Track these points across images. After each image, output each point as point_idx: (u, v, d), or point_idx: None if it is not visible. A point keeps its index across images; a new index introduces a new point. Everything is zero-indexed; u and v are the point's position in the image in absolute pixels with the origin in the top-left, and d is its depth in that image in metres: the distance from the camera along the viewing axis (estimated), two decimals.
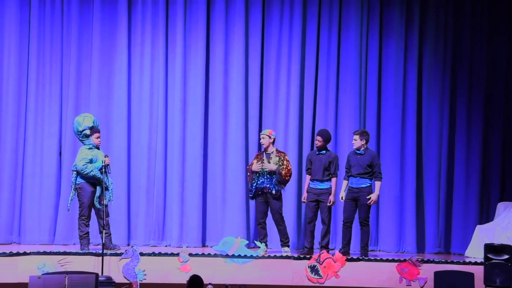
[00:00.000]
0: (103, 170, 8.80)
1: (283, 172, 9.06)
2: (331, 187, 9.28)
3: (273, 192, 9.07)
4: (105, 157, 8.91)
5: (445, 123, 10.91)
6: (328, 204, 9.21)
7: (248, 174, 9.27)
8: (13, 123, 10.15)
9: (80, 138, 9.06)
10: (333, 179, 9.29)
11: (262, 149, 9.56)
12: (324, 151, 9.28)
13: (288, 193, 10.26)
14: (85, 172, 8.87)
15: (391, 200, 10.78)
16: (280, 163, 9.15)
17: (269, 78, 10.71)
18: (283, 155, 9.30)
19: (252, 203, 10.41)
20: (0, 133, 10.19)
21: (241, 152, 10.56)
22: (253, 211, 10.48)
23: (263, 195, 9.14)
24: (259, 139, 9.43)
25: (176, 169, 10.43)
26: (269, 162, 9.15)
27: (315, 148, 9.48)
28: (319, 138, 9.27)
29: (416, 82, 10.89)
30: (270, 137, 9.28)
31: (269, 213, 9.31)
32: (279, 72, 10.66)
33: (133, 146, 10.52)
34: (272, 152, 9.26)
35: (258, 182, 9.16)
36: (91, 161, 8.95)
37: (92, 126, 9.04)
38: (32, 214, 10.19)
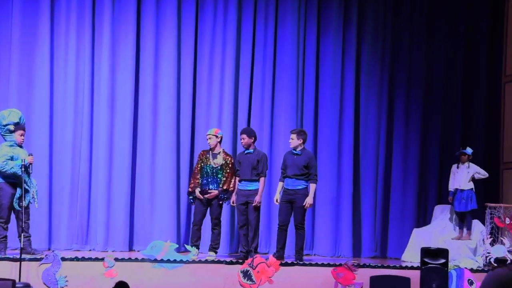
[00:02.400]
0: (23, 169, 8.49)
1: (225, 187, 9.03)
2: (258, 188, 9.13)
3: (219, 196, 9.03)
4: (28, 155, 8.62)
5: (383, 124, 10.93)
6: (254, 204, 9.03)
7: (193, 178, 9.06)
8: None
9: (2, 133, 8.74)
10: (262, 179, 9.12)
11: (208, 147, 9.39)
12: (251, 150, 9.10)
13: None
14: (4, 170, 8.57)
15: (327, 202, 10.70)
16: (224, 172, 9.04)
17: (202, 74, 10.53)
18: (229, 159, 9.12)
19: (183, 204, 10.28)
20: None
21: (171, 151, 10.32)
22: (184, 213, 10.31)
23: (205, 195, 9.04)
24: (206, 139, 9.27)
25: (102, 168, 10.17)
26: (214, 163, 9.05)
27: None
28: (243, 136, 9.07)
29: (354, 81, 10.89)
30: (217, 137, 9.09)
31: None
32: (213, 68, 10.48)
33: (56, 144, 10.18)
34: (219, 153, 9.09)
35: (202, 183, 9.03)
36: (11, 159, 8.64)
37: (18, 123, 8.74)
38: None
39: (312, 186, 9.06)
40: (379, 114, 10.90)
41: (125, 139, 10.27)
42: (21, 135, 8.79)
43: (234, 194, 9.12)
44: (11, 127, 8.70)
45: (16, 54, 10.01)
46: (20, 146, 8.79)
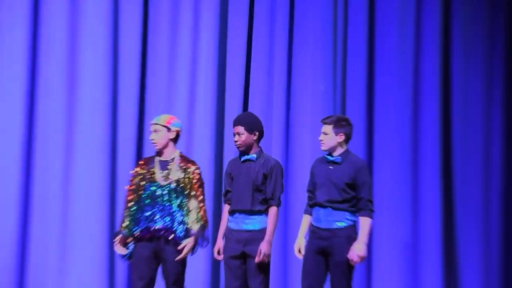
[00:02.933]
0: None
1: (192, 221, 5.23)
2: (265, 227, 5.25)
3: (178, 235, 5.13)
4: None
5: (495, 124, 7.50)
6: (258, 259, 5.19)
7: (125, 211, 5.22)
8: None
9: None
10: (273, 210, 5.31)
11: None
12: (254, 155, 5.40)
13: None
14: None
15: (395, 253, 6.98)
16: (184, 193, 5.23)
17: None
18: (193, 169, 5.28)
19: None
20: None
21: (99, 159, 6.35)
22: (122, 275, 6.33)
23: (153, 243, 5.16)
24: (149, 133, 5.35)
25: None
26: (166, 179, 5.17)
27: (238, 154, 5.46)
28: (238, 129, 5.38)
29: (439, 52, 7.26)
30: (169, 129, 5.23)
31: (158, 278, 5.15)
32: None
33: None
34: (173, 160, 5.25)
35: (144, 217, 5.17)
36: None
37: None
38: None
39: (365, 223, 5.26)
40: (487, 108, 7.36)
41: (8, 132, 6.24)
42: None
43: (220, 237, 5.32)
44: None
45: None
46: None
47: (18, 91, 6.35)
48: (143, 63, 6.61)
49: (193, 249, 5.19)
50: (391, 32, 7.24)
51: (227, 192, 5.39)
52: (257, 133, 5.31)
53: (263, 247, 5.19)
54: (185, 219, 5.20)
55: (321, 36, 6.99)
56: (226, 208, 5.38)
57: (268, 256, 5.27)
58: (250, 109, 6.70)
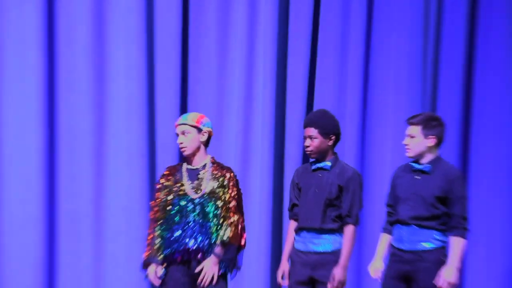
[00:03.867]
0: None
1: (232, 240, 4.67)
2: (339, 249, 4.72)
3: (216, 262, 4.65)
4: None
5: None
6: (333, 286, 4.73)
7: (150, 228, 4.66)
8: None
9: None
10: (350, 229, 4.78)
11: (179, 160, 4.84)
12: (328, 163, 4.84)
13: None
14: None
15: (495, 277, 6.33)
16: (219, 208, 4.67)
17: None
18: (227, 175, 4.69)
19: None
20: None
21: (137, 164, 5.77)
22: None
23: (185, 265, 4.62)
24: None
25: None
26: (197, 191, 4.62)
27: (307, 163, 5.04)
28: (310, 131, 4.81)
29: None
30: (200, 130, 4.65)
31: None
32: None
33: None
34: (205, 167, 4.65)
35: (173, 238, 4.59)
36: None
37: None
38: None
39: (458, 244, 4.72)
40: None
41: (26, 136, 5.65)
42: None
43: (285, 259, 4.83)
44: None
45: None
46: None
47: (33, 84, 5.79)
48: (184, 52, 6.05)
49: (224, 274, 4.62)
50: (497, 22, 6.56)
51: (293, 206, 4.87)
52: (333, 137, 4.75)
53: (337, 273, 4.70)
54: (220, 236, 4.64)
55: (408, 24, 6.37)
56: (292, 225, 4.89)
57: (343, 283, 4.80)
58: (316, 107, 6.03)
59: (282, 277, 4.86)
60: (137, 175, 5.84)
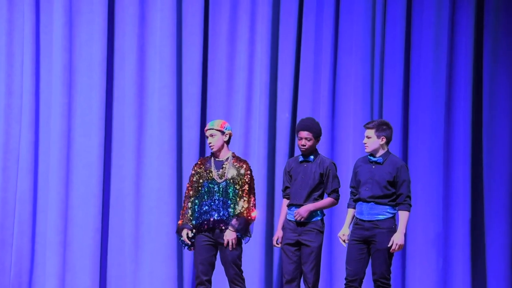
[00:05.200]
0: None
1: (245, 214, 5.96)
2: (318, 219, 6.07)
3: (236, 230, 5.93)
4: None
5: None
6: (313, 245, 6.02)
7: (184, 206, 6.02)
8: None
9: None
10: (329, 199, 6.13)
11: (209, 153, 6.16)
12: (311, 157, 6.15)
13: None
14: None
15: (427, 242, 7.64)
16: (236, 190, 5.99)
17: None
18: (244, 166, 6.04)
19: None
20: None
21: (160, 155, 7.24)
22: (188, 260, 7.22)
23: (211, 232, 5.97)
24: (206, 137, 6.15)
25: (55, 184, 7.09)
26: (221, 177, 5.95)
27: (296, 154, 6.25)
28: (305, 134, 6.07)
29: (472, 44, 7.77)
30: (223, 133, 6.03)
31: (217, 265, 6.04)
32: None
33: None
34: (227, 159, 6.03)
35: (202, 211, 5.97)
36: None
37: None
38: None
39: (403, 216, 5.99)
40: None
41: (92, 136, 7.13)
42: None
43: (279, 226, 6.16)
44: None
45: None
46: None
47: (97, 99, 7.18)
48: (204, 74, 7.39)
49: (239, 239, 5.85)
50: (426, 35, 7.72)
51: (286, 188, 6.11)
52: (319, 139, 6.07)
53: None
54: (236, 211, 5.89)
55: (361, 44, 7.53)
56: (284, 202, 6.11)
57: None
58: (299, 114, 7.40)
59: (277, 241, 6.09)
60: (167, 166, 7.21)
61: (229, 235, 5.83)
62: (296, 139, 6.12)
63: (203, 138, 7.28)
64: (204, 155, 7.19)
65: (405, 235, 6.08)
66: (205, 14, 7.39)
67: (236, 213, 5.87)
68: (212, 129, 5.95)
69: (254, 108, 7.45)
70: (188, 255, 7.21)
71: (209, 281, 5.95)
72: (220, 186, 5.94)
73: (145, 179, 7.23)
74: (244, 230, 5.88)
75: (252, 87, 7.48)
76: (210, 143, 5.97)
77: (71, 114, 7.15)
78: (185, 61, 7.30)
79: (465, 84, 7.79)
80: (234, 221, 5.84)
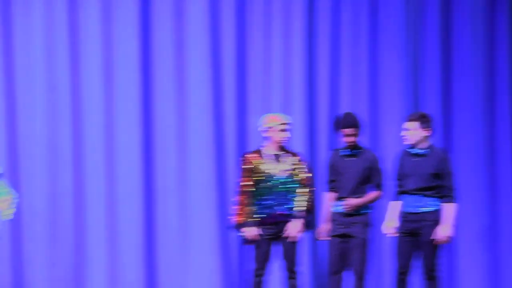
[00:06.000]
0: None
1: (309, 206, 6.15)
2: (366, 212, 6.24)
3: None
4: None
5: None
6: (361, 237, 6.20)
7: (241, 194, 6.10)
8: None
9: None
10: (374, 193, 6.26)
11: (260, 146, 6.24)
12: (356, 151, 6.29)
13: None
14: None
15: (475, 234, 7.69)
16: (295, 183, 6.15)
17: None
18: (300, 159, 6.22)
19: (233, 240, 7.28)
20: None
21: (210, 155, 7.35)
22: (233, 255, 7.37)
23: (272, 225, 6.10)
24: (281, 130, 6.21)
25: (99, 180, 7.24)
26: (279, 169, 6.16)
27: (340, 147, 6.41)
28: (351, 131, 6.23)
29: None
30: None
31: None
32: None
33: (22, 141, 7.21)
34: (284, 153, 6.20)
35: (262, 204, 6.10)
36: None
37: None
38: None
39: (449, 208, 6.06)
40: None
41: (133, 132, 7.25)
42: None
43: (325, 220, 6.29)
44: None
45: None
46: None
47: (136, 94, 7.30)
48: (241, 67, 7.47)
49: (303, 230, 6.03)
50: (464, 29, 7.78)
51: (331, 181, 6.25)
52: (360, 133, 6.26)
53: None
54: (296, 204, 6.07)
55: (398, 35, 7.64)
56: (329, 195, 6.25)
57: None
58: (341, 108, 7.44)
59: (323, 233, 6.20)
60: (207, 159, 7.34)
61: (294, 228, 6.01)
62: (337, 133, 6.25)
63: (241, 131, 7.43)
64: (244, 149, 7.27)
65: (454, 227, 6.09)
66: (241, 5, 7.46)
67: (298, 206, 6.04)
68: (288, 123, 6.09)
69: (292, 102, 7.54)
70: (234, 248, 7.34)
71: (266, 274, 6.14)
72: (280, 180, 6.08)
73: (187, 173, 7.35)
74: (308, 221, 6.08)
75: (289, 81, 7.57)
76: (286, 136, 6.07)
77: (111, 110, 7.27)
78: (221, 54, 7.41)
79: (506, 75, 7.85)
80: (298, 213, 6.03)
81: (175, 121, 7.37)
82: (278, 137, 6.01)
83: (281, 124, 6.06)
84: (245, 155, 6.16)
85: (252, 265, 6.19)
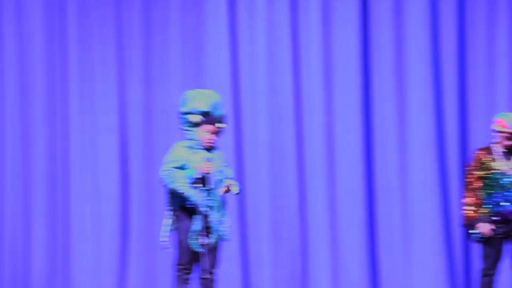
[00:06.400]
0: (198, 185, 5.69)
1: None
2: None
3: None
4: (205, 162, 5.78)
5: None
6: None
7: (472, 190, 6.00)
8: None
9: (182, 126, 5.97)
10: None
11: (490, 143, 6.12)
12: None
13: None
14: (166, 183, 5.80)
15: None
16: None
17: None
18: None
19: (456, 238, 7.26)
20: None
21: (434, 152, 7.25)
22: (457, 252, 7.23)
23: (502, 224, 5.99)
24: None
25: (321, 180, 7.33)
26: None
27: None
28: None
29: None
30: None
31: None
32: None
33: (247, 143, 7.45)
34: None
35: (492, 202, 6.00)
36: (182, 168, 5.84)
37: (206, 112, 5.87)
38: (85, 262, 7.50)
39: None
40: None
41: (353, 131, 7.33)
42: (209, 133, 5.89)
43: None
44: (196, 118, 5.84)
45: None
46: (208, 149, 5.94)
47: (356, 94, 7.35)
48: (462, 64, 7.35)
49: None
50: None
51: None
52: None
53: None
54: None
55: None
56: None
57: None
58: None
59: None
60: (430, 158, 7.23)
61: None
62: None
63: (463, 129, 7.30)
64: (467, 146, 7.18)
65: None
66: (461, 1, 7.34)
67: None
68: None
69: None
70: (459, 248, 7.19)
71: (497, 273, 6.03)
72: (510, 178, 5.97)
73: (409, 171, 7.27)
74: None
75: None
76: None
77: (331, 110, 7.35)
78: (442, 51, 7.30)
79: None
80: None
81: (395, 120, 7.34)
82: (505, 143, 5.93)
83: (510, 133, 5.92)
84: (476, 152, 6.06)
85: (481, 265, 6.05)
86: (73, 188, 7.49)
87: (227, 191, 5.68)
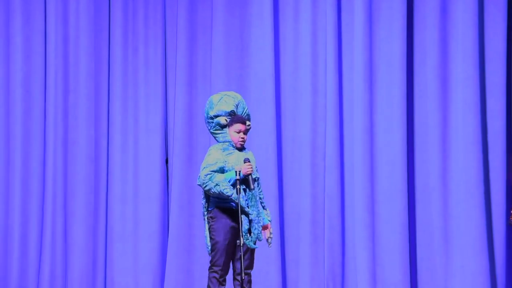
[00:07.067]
0: (239, 187, 5.75)
1: None
2: None
3: None
4: (244, 162, 5.84)
5: None
6: None
7: None
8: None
9: (211, 130, 6.06)
10: None
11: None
12: None
13: None
14: (208, 188, 5.89)
15: None
16: None
17: None
18: None
19: (498, 241, 7.13)
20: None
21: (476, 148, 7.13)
22: (500, 255, 7.10)
23: None
24: None
25: (360, 180, 7.29)
26: None
27: None
28: None
29: None
30: None
31: None
32: None
33: (288, 143, 7.47)
34: None
35: None
36: (221, 170, 5.90)
37: (232, 112, 5.96)
38: (124, 262, 7.63)
39: None
40: None
41: (394, 132, 7.24)
42: (239, 132, 5.97)
43: None
44: (223, 120, 5.94)
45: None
46: (240, 149, 6.01)
47: (398, 94, 7.26)
48: (508, 63, 7.20)
49: None
50: None
51: None
52: None
53: None
54: None
55: None
56: None
57: None
58: None
59: None
60: (472, 158, 7.08)
61: None
62: None
63: (508, 129, 7.17)
64: (511, 146, 7.07)
65: None
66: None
67: None
68: None
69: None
70: (500, 249, 7.09)
71: None
72: None
73: (451, 172, 7.17)
74: None
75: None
76: None
77: (373, 110, 7.29)
78: (487, 50, 7.18)
79: None
80: None
81: (438, 121, 7.25)
82: None
83: None
84: None
85: None
86: (114, 188, 7.63)
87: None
